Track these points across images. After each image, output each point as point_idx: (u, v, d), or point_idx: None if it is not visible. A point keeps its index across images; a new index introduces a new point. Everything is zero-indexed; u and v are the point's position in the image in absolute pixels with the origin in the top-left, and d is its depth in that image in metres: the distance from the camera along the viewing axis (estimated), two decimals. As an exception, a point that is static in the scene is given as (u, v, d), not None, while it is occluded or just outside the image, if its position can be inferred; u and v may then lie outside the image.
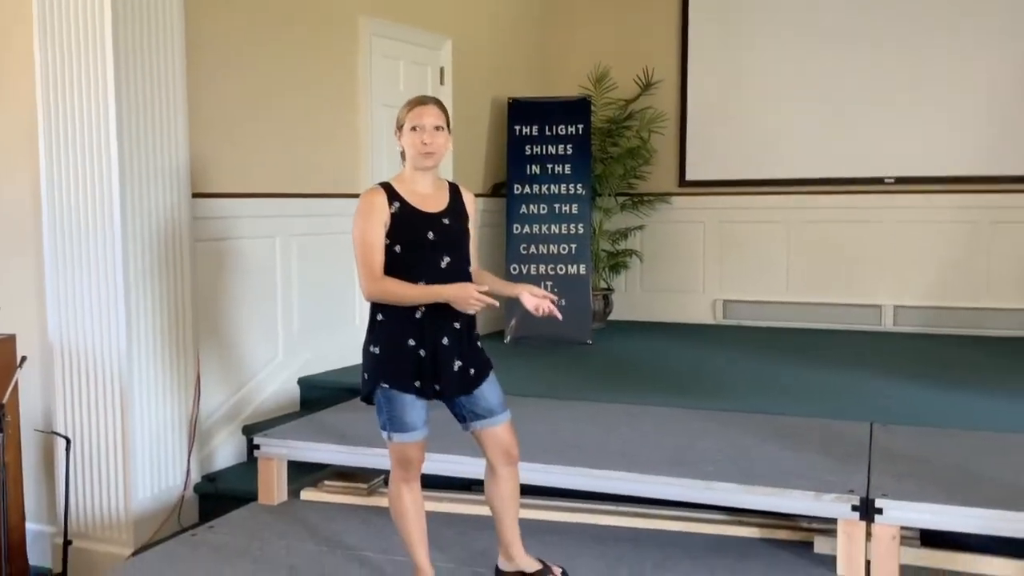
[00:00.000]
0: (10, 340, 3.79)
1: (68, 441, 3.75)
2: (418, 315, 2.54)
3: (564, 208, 6.06)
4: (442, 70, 5.92)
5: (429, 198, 2.62)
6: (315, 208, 4.93)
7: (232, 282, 4.45)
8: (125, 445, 3.80)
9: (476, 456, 2.90)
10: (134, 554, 3.69)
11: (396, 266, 2.53)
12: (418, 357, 2.54)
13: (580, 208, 6.06)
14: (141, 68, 3.74)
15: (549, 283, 5.96)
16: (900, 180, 6.38)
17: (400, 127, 2.64)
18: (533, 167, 6.13)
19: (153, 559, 3.16)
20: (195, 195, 4.09)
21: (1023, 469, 3.18)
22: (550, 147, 6.15)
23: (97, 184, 3.70)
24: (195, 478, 4.13)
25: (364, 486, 3.62)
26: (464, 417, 2.66)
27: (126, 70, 3.67)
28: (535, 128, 6.15)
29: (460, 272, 2.60)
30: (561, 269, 6.03)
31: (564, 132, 6.13)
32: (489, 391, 2.65)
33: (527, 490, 3.39)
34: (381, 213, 2.53)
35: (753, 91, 6.70)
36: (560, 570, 2.80)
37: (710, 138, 6.81)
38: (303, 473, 3.90)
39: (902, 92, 6.36)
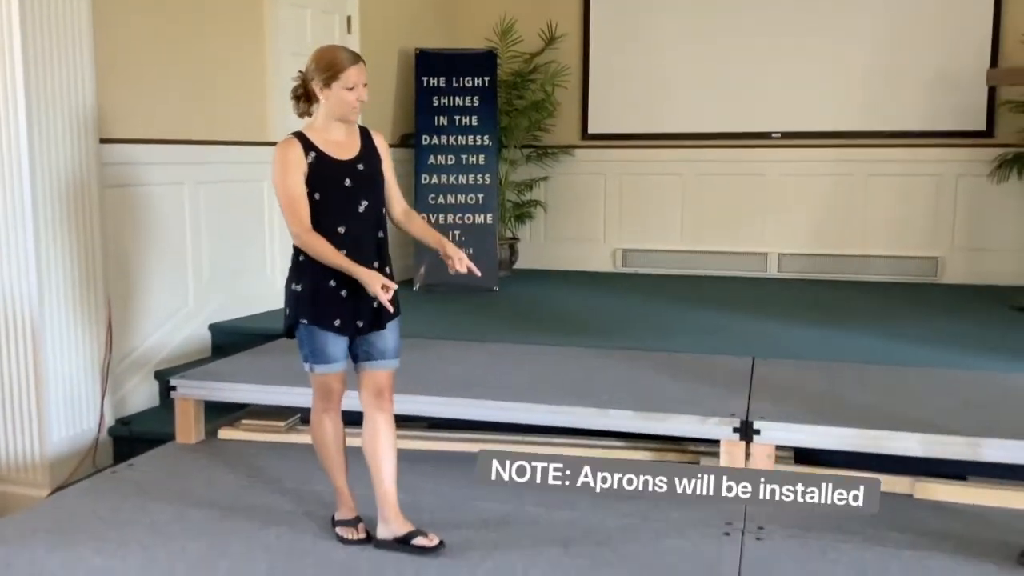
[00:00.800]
0: (-85, 285, 3.78)
1: (-20, 385, 3.78)
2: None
3: (471, 159, 6.23)
4: (349, 19, 5.95)
5: (343, 145, 2.73)
6: (223, 155, 4.95)
7: (141, 229, 4.47)
8: (39, 389, 3.82)
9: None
10: (51, 494, 3.76)
11: (317, 212, 2.65)
12: (339, 297, 2.68)
13: (487, 159, 6.23)
14: (46, 13, 3.71)
15: (457, 232, 6.14)
16: (785, 135, 6.78)
17: (326, 80, 2.67)
18: (441, 118, 6.26)
19: (76, 494, 3.24)
20: (103, 141, 4.09)
21: (883, 395, 3.56)
22: (457, 99, 6.28)
23: (3, 130, 3.67)
24: (109, 421, 4.18)
25: (281, 424, 3.77)
26: (358, 356, 2.77)
27: (32, 15, 3.64)
28: (442, 80, 6.27)
29: (377, 214, 2.75)
30: (468, 219, 6.21)
31: (471, 84, 6.27)
32: (390, 334, 2.78)
33: (443, 424, 3.63)
34: (299, 164, 2.64)
35: (651, 48, 6.95)
36: (438, 541, 2.73)
37: (611, 93, 7.05)
38: (218, 415, 4.01)
39: (789, 51, 6.72)
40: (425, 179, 6.23)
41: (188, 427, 3.74)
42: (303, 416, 3.87)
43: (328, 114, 2.71)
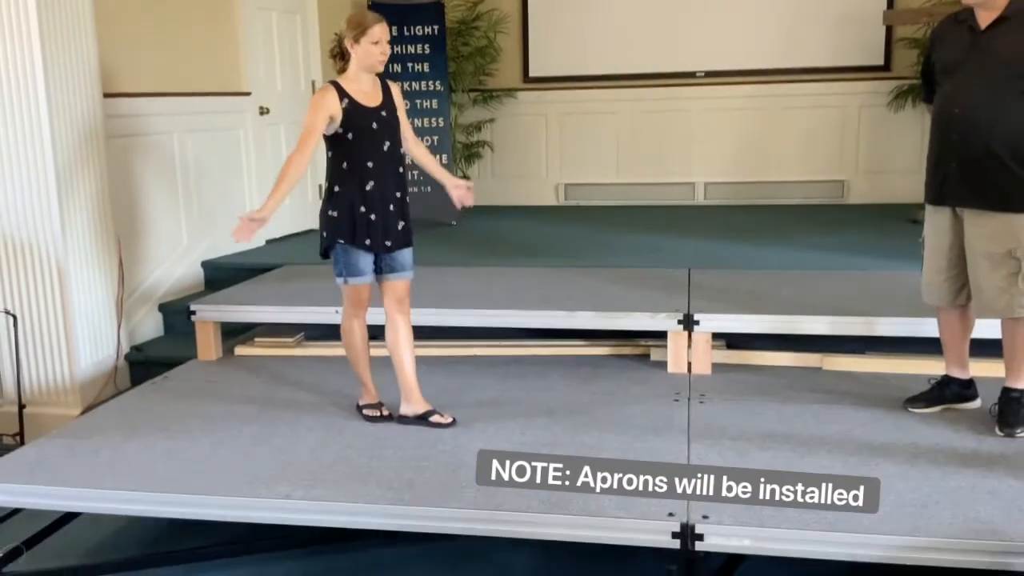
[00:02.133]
0: (-55, 233, 4.20)
1: (15, 318, 4.24)
2: (368, 187, 3.22)
3: (425, 104, 6.74)
4: (308, -26, 6.38)
5: (369, 94, 3.25)
6: (205, 106, 5.40)
7: (140, 175, 4.92)
8: (67, 320, 4.31)
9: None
10: (82, 412, 4.26)
11: (350, 149, 3.19)
12: (369, 220, 3.23)
13: (439, 103, 6.76)
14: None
15: (415, 173, 6.66)
16: (708, 74, 7.45)
17: (356, 37, 3.15)
18: (394, 66, 6.72)
19: (129, 400, 3.76)
20: (106, 95, 4.52)
21: (797, 291, 4.28)
22: (409, 47, 6.76)
23: (23, 88, 4.07)
24: (124, 348, 4.69)
25: (291, 339, 4.33)
26: (381, 270, 3.34)
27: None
28: (394, 29, 6.61)
29: (396, 153, 3.29)
30: (425, 158, 6.74)
31: (421, 33, 6.75)
32: (407, 252, 3.37)
33: (429, 333, 4.23)
34: (330, 107, 3.15)
35: (585, -5, 7.52)
36: (451, 418, 3.34)
37: (549, 38, 7.60)
38: (227, 337, 4.54)
39: (711, -4, 7.37)
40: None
41: (208, 346, 4.27)
42: (307, 333, 4.44)
43: (358, 66, 3.20)
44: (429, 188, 6.63)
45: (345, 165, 3.22)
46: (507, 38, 7.52)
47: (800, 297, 4.17)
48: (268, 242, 6.02)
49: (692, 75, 7.46)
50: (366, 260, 3.28)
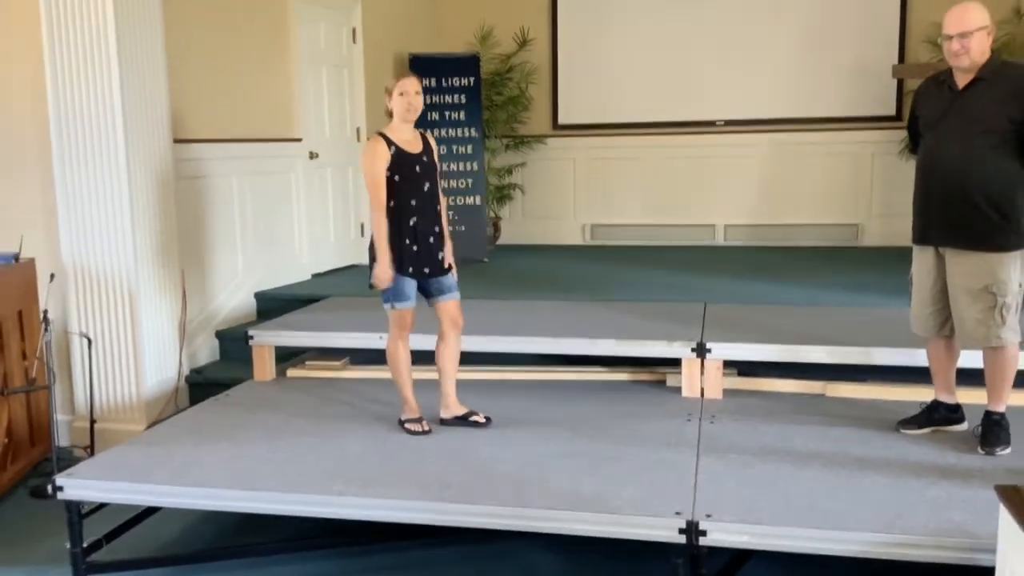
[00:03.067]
0: (31, 263, 4.69)
1: (90, 341, 4.69)
2: (412, 223, 3.67)
3: (461, 149, 7.22)
4: (354, 30, 6.89)
5: (411, 142, 3.71)
6: (259, 151, 5.89)
7: (201, 213, 5.39)
8: (136, 343, 4.76)
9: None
10: (147, 428, 4.67)
11: (397, 190, 3.64)
12: (412, 251, 3.68)
13: (474, 148, 7.23)
14: (135, 42, 4.60)
15: (451, 212, 7.12)
16: (728, 123, 7.88)
17: (390, 93, 3.66)
18: (432, 114, 7.23)
19: (195, 414, 4.17)
20: (176, 141, 5.01)
21: (803, 324, 4.62)
22: (446, 96, 7.25)
23: (106, 134, 4.56)
24: (185, 370, 5.12)
25: (338, 363, 4.75)
26: (430, 293, 3.80)
27: (125, 45, 4.53)
28: (433, 80, 7.23)
29: (435, 192, 3.76)
30: (460, 200, 7.21)
31: (458, 84, 7.24)
32: (450, 277, 3.83)
33: (470, 358, 4.62)
34: (384, 157, 3.63)
35: (612, 48, 8.00)
36: (487, 418, 3.91)
37: (577, 88, 8.09)
38: (279, 362, 4.95)
39: (728, 51, 7.82)
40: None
41: (264, 368, 4.69)
42: (351, 358, 4.86)
43: (398, 118, 3.68)
44: (463, 227, 7.10)
45: (392, 203, 3.67)
46: (538, 88, 8.02)
47: (806, 329, 4.51)
48: (314, 276, 6.47)
49: (712, 123, 7.89)
50: (411, 287, 3.72)
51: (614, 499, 3.06)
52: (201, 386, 5.09)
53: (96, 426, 4.66)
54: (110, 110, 4.56)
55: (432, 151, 3.80)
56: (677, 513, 2.93)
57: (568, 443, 3.63)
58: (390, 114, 3.72)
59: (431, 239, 3.74)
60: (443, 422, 3.87)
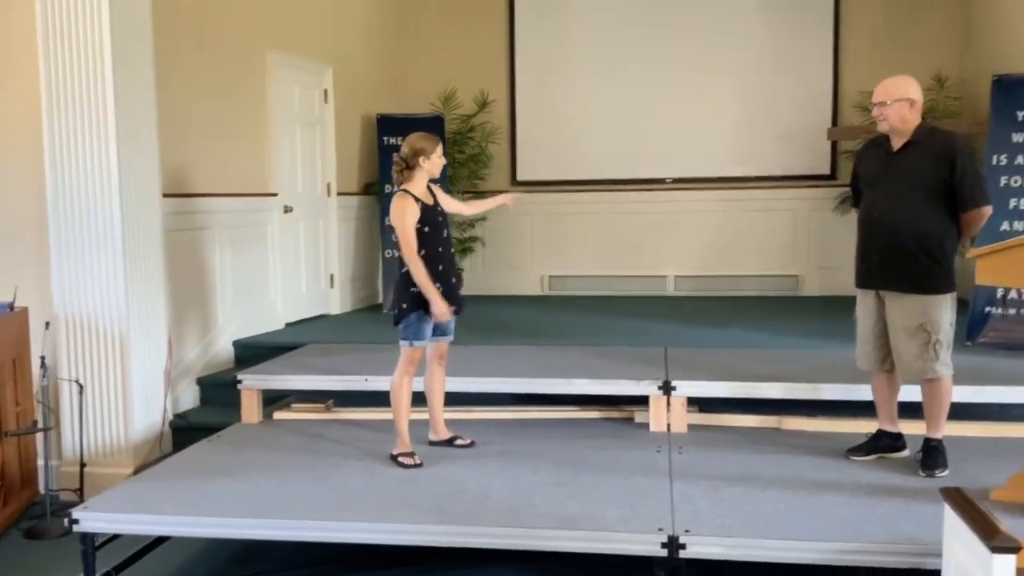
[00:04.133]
0: (24, 311, 4.86)
1: (81, 387, 4.85)
2: (440, 268, 4.04)
3: (426, 203, 7.54)
4: (326, 92, 7.24)
5: (428, 195, 4.10)
6: (238, 205, 6.14)
7: (185, 264, 5.60)
8: (125, 389, 4.93)
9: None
10: (135, 472, 4.82)
11: (425, 239, 3.99)
12: (440, 294, 4.02)
13: (439, 203, 7.55)
14: (131, 105, 4.85)
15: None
16: (676, 180, 8.38)
17: (428, 155, 4.04)
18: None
19: (190, 455, 4.35)
20: (165, 195, 5.25)
21: (758, 365, 5.01)
22: (413, 155, 7.59)
23: (99, 187, 4.77)
24: (169, 416, 5.29)
25: (323, 405, 4.98)
26: (435, 332, 4.15)
27: (122, 108, 4.77)
28: (400, 139, 7.47)
29: (450, 240, 4.18)
30: (426, 252, 7.52)
31: (423, 143, 7.60)
32: (451, 321, 4.19)
33: (451, 398, 4.89)
34: (414, 210, 3.98)
35: (568, 109, 8.49)
36: (470, 440, 4.33)
37: (535, 147, 8.55)
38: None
39: (676, 114, 8.36)
40: (387, 221, 7.49)
41: (252, 410, 4.90)
42: (334, 400, 5.09)
43: (427, 174, 4.09)
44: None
45: (423, 252, 4.01)
46: (497, 147, 8.45)
47: (761, 369, 4.91)
48: (287, 325, 6.69)
49: (662, 181, 8.39)
50: (430, 326, 4.08)
51: (599, 519, 3.36)
52: (184, 431, 5.25)
53: (85, 470, 4.81)
54: (106, 166, 4.77)
55: (440, 202, 4.18)
56: (659, 529, 3.24)
57: (552, 473, 3.93)
58: (408, 170, 4.05)
59: (453, 279, 4.14)
60: (432, 443, 4.28)
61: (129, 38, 4.83)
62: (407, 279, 4.06)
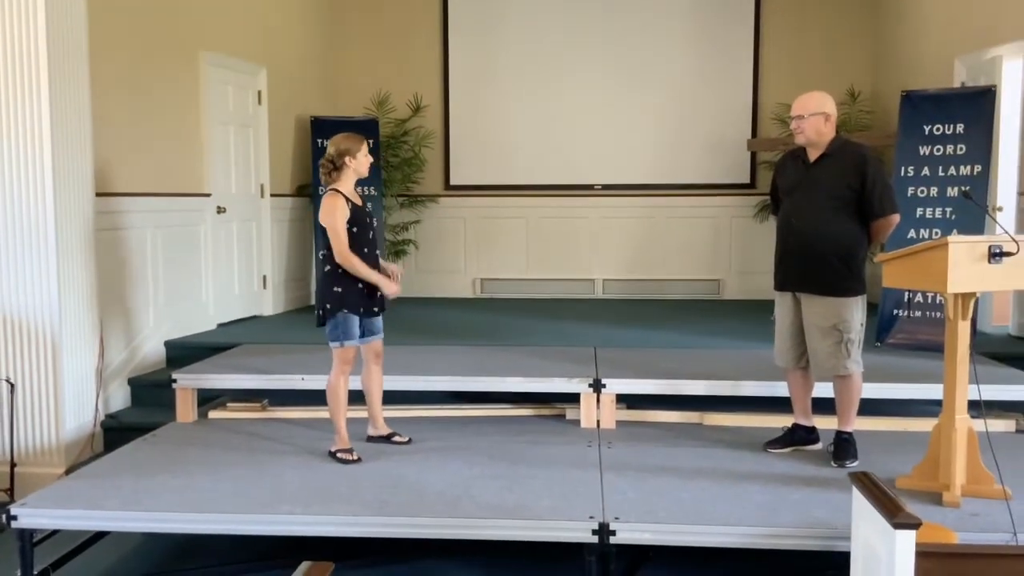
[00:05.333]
0: (-49, 310, 4.79)
1: (12, 386, 4.81)
2: None
3: (360, 206, 7.61)
4: (260, 93, 7.25)
5: (357, 196, 4.18)
6: (170, 205, 6.13)
7: (118, 264, 5.58)
8: (57, 389, 4.90)
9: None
10: (67, 472, 4.79)
11: (354, 240, 4.06)
12: (362, 292, 4.12)
13: (373, 206, 7.54)
14: (64, 103, 4.83)
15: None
16: (605, 187, 8.63)
17: (353, 154, 4.08)
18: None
19: (128, 453, 4.35)
20: (97, 195, 5.22)
21: (681, 364, 5.23)
22: (346, 157, 7.65)
23: (32, 187, 4.75)
24: (100, 416, 5.26)
25: (259, 404, 5.03)
26: (363, 333, 4.22)
27: (55, 106, 4.76)
28: (333, 142, 7.62)
29: (376, 239, 4.24)
30: (360, 254, 7.59)
31: (357, 146, 7.66)
32: (378, 320, 4.28)
33: (386, 397, 4.99)
34: (344, 209, 4.04)
35: (501, 115, 8.66)
36: (408, 438, 4.44)
37: (468, 152, 8.69)
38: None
39: (603, 121, 8.60)
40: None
41: (187, 410, 4.92)
42: (269, 400, 5.14)
43: (354, 175, 4.14)
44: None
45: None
46: (431, 151, 8.57)
47: (685, 367, 5.14)
48: (219, 325, 6.69)
49: (591, 187, 8.62)
50: (356, 325, 4.15)
51: (534, 508, 3.52)
52: (116, 431, 5.23)
53: (16, 470, 4.76)
54: (39, 164, 4.75)
55: (368, 203, 4.26)
56: (590, 517, 3.41)
57: (487, 467, 4.07)
58: (336, 171, 4.11)
59: None
60: (370, 439, 4.41)
61: (63, 37, 4.82)
62: (329, 279, 4.14)
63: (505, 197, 8.67)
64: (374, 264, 4.19)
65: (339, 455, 4.17)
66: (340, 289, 4.11)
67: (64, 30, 4.82)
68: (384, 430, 4.47)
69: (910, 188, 5.98)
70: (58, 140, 4.79)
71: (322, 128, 7.67)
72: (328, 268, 4.15)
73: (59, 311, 4.85)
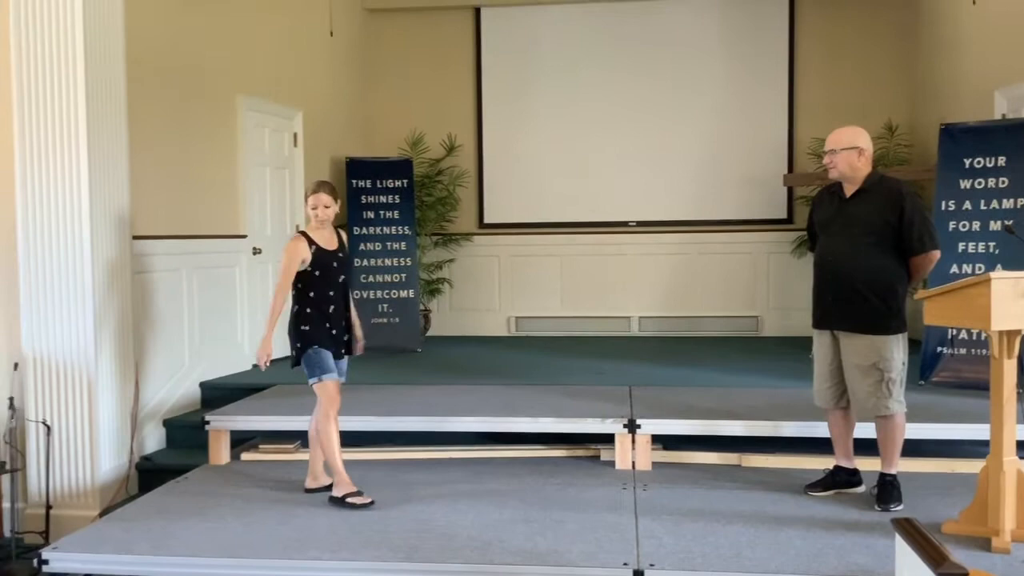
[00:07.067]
0: (-10, 352, 4.86)
1: (48, 428, 4.85)
2: (330, 310, 4.18)
3: (395, 245, 7.65)
4: (295, 135, 7.34)
5: (328, 240, 4.24)
6: (207, 247, 6.18)
7: (153, 306, 5.63)
8: (92, 431, 4.92)
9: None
10: (100, 514, 4.80)
11: (315, 282, 4.14)
12: (331, 333, 4.18)
13: (407, 245, 7.68)
14: (102, 149, 4.92)
15: (385, 305, 7.52)
16: (640, 223, 8.57)
17: (305, 201, 4.25)
18: (368, 213, 7.68)
19: (160, 496, 4.36)
20: (134, 237, 5.29)
21: (719, 403, 5.14)
22: (381, 197, 7.72)
23: (69, 231, 4.82)
24: (135, 458, 5.28)
25: (291, 446, 5.01)
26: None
27: (95, 152, 4.85)
28: (369, 182, 7.70)
29: (347, 285, 4.31)
30: (394, 293, 7.61)
31: (392, 186, 7.72)
32: (343, 362, 4.32)
33: (414, 438, 4.95)
34: (302, 253, 4.12)
35: (534, 154, 8.67)
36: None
37: (502, 190, 8.70)
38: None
39: (638, 159, 8.57)
40: (358, 262, 7.59)
41: (220, 452, 4.92)
42: (303, 441, 5.12)
43: (313, 221, 4.22)
44: (397, 319, 7.49)
45: (312, 294, 4.18)
46: (465, 190, 8.59)
47: (722, 407, 5.04)
48: (254, 366, 6.70)
49: (625, 224, 8.58)
50: (331, 360, 4.19)
51: (566, 554, 3.45)
52: (151, 472, 5.24)
53: (51, 512, 4.78)
54: (78, 209, 4.83)
55: (345, 247, 4.35)
56: (624, 564, 3.33)
57: (519, 510, 4.00)
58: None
59: (343, 322, 4.28)
60: (308, 491, 4.37)
61: (102, 82, 4.91)
62: (297, 319, 4.21)
63: (539, 235, 8.65)
64: (339, 307, 4.25)
65: (348, 499, 4.10)
66: (307, 327, 4.19)
67: (103, 75, 4.92)
68: (325, 481, 4.36)
69: (951, 223, 5.86)
70: (95, 184, 4.87)
71: (357, 169, 7.74)
72: (296, 309, 4.23)
73: (95, 353, 4.89)
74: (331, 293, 4.21)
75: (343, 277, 4.29)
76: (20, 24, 4.79)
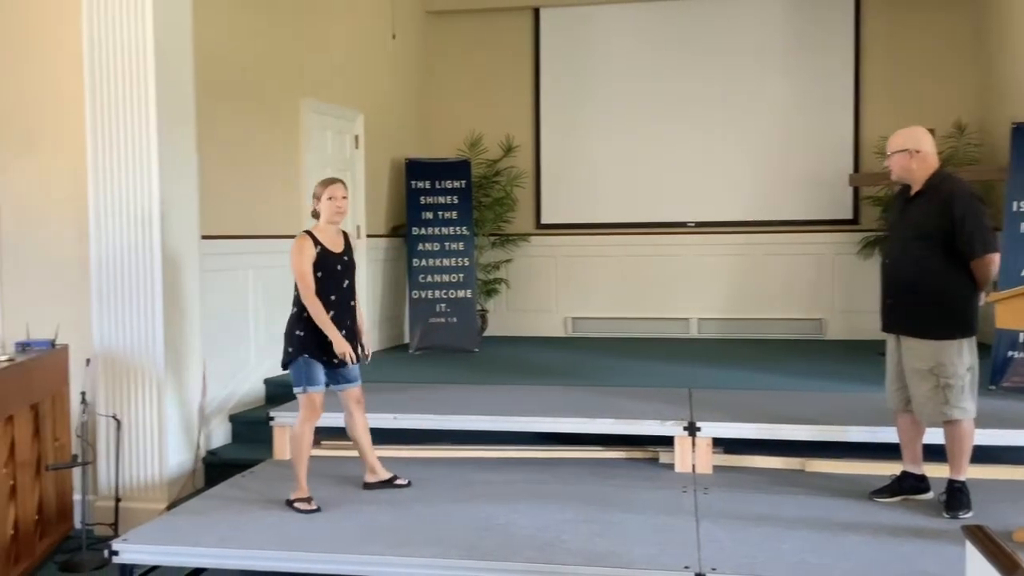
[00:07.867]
0: (64, 349, 5.02)
1: (119, 422, 4.99)
2: (330, 316, 4.09)
3: (453, 245, 7.71)
4: (357, 137, 7.44)
5: (334, 242, 4.16)
6: (271, 247, 6.28)
7: (221, 304, 5.75)
8: (161, 426, 5.04)
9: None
10: (168, 508, 4.92)
11: (320, 284, 4.07)
12: (326, 341, 4.09)
13: (465, 245, 7.72)
14: (173, 156, 5.04)
15: (443, 305, 7.58)
16: (699, 224, 8.49)
17: (318, 198, 4.12)
18: (427, 213, 7.74)
19: (226, 489, 4.46)
20: (203, 237, 5.41)
21: (783, 406, 5.07)
22: (440, 198, 7.78)
23: (141, 231, 4.95)
24: (202, 452, 5.40)
25: (351, 442, 5.07)
26: (336, 381, 4.23)
27: (165, 161, 4.96)
28: (427, 183, 7.77)
29: (352, 289, 4.22)
30: (452, 293, 7.66)
31: (450, 186, 7.78)
32: (355, 368, 4.25)
33: (475, 437, 4.98)
34: (310, 252, 4.05)
35: (592, 154, 8.65)
36: (407, 480, 4.36)
37: (560, 190, 8.71)
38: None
39: (698, 158, 8.49)
40: (416, 262, 7.67)
41: (283, 447, 5.01)
42: (364, 439, 5.17)
43: (325, 219, 4.15)
44: (455, 319, 7.53)
45: None
46: (523, 191, 8.61)
47: (786, 411, 4.96)
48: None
49: (684, 224, 8.50)
50: (321, 372, 4.15)
51: (626, 556, 3.43)
52: (217, 467, 5.35)
53: (120, 504, 4.91)
54: (148, 208, 4.95)
55: (352, 250, 4.28)
56: (685, 567, 3.30)
57: (578, 511, 3.99)
58: (316, 215, 4.17)
59: (343, 331, 4.15)
60: (367, 486, 4.37)
61: (172, 87, 5.04)
62: (294, 322, 4.16)
63: (596, 235, 8.63)
64: (343, 311, 4.16)
65: (296, 504, 4.10)
66: (302, 334, 4.13)
67: (172, 79, 5.04)
68: (384, 474, 4.39)
69: (1023, 224, 5.69)
70: (166, 185, 4.99)
71: (416, 170, 7.81)
72: (295, 310, 4.18)
73: (164, 349, 5.01)
74: (333, 298, 4.11)
75: (348, 282, 4.18)
76: (92, 33, 4.92)
